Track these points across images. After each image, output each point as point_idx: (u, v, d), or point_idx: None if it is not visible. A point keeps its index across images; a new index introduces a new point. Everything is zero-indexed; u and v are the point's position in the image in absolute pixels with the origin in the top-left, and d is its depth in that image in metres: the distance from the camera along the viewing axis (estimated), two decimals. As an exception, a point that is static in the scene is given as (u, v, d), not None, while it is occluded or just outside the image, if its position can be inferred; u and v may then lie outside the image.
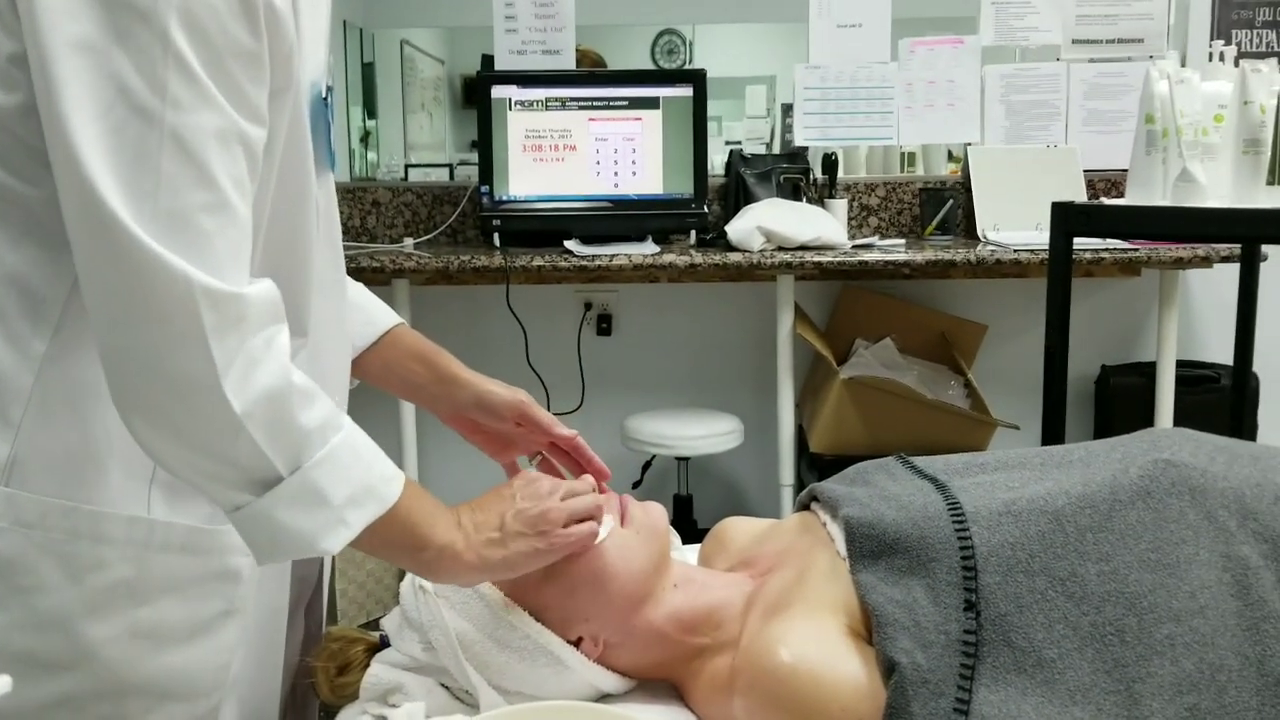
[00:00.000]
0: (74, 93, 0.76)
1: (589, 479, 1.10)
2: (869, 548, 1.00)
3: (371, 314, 1.19)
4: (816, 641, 0.95)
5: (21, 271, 0.84)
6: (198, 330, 0.77)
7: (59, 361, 0.86)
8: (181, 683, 0.95)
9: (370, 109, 4.86)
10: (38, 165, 0.81)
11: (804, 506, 1.19)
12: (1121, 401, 3.06)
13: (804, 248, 2.77)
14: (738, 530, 1.26)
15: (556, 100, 2.91)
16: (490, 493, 1.00)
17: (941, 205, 3.07)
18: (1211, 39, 3.03)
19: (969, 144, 3.13)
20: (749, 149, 3.57)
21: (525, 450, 1.23)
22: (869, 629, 0.96)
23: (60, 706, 0.90)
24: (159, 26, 0.76)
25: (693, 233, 2.98)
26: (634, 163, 2.94)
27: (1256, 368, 2.47)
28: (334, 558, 1.10)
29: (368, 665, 1.12)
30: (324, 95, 0.99)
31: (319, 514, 0.84)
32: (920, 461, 1.13)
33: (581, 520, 1.01)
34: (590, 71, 3.29)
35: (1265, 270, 2.37)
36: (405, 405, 2.84)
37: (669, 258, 2.73)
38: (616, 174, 2.94)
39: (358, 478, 0.86)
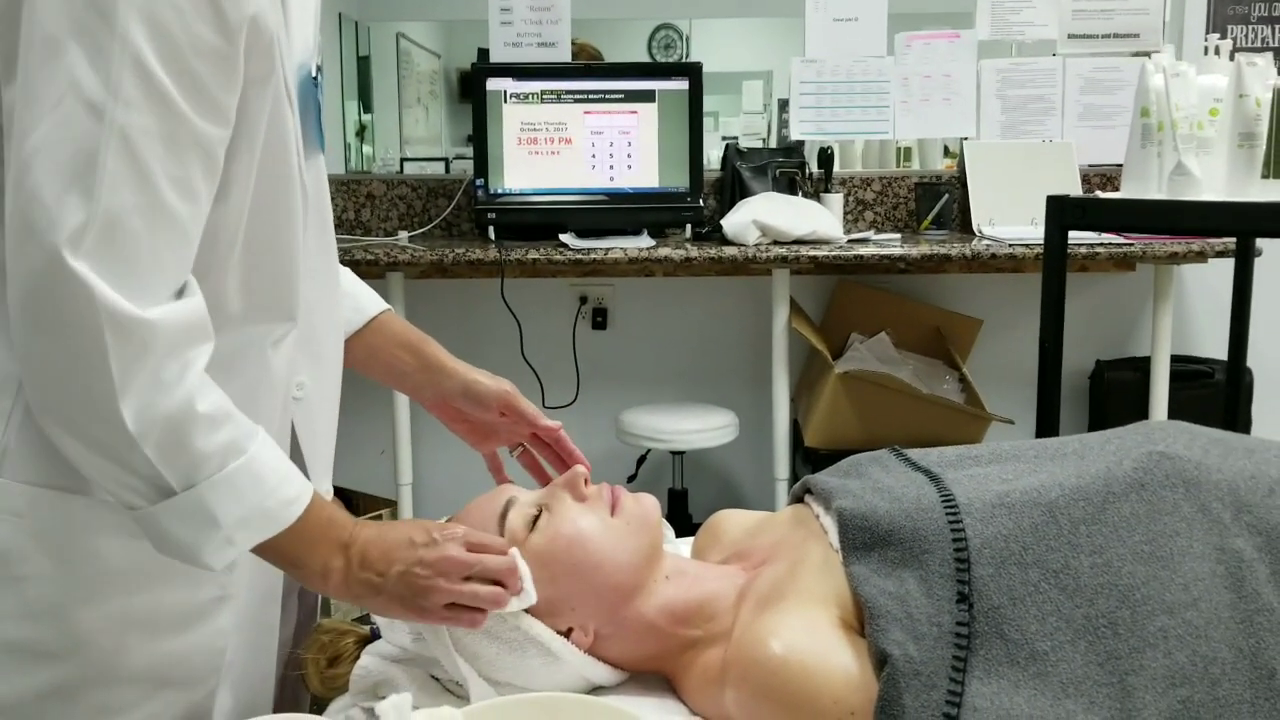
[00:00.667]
0: (32, 85, 0.77)
1: (509, 556, 1.03)
2: (862, 540, 1.00)
3: (359, 300, 1.19)
4: (808, 633, 0.95)
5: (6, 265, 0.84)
6: (100, 350, 0.78)
7: None
8: (177, 670, 0.96)
9: (366, 102, 4.85)
10: None
11: (798, 499, 1.19)
12: (1116, 396, 3.07)
13: (799, 242, 2.77)
14: (731, 523, 1.26)
15: (552, 93, 2.90)
16: (405, 530, 0.98)
17: (937, 200, 3.06)
18: (1207, 33, 3.03)
19: (965, 138, 3.13)
20: (745, 143, 3.58)
21: (507, 441, 1.23)
22: (861, 621, 0.96)
23: (53, 696, 0.90)
24: (120, 25, 0.76)
25: (688, 227, 2.98)
26: (630, 156, 2.94)
27: (1250, 362, 2.47)
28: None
29: (358, 657, 1.12)
30: (314, 75, 0.99)
31: (205, 532, 0.85)
32: (914, 454, 1.13)
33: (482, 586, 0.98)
34: (586, 65, 3.28)
35: (1259, 265, 2.37)
36: (400, 395, 2.83)
37: (664, 251, 2.73)
38: (612, 167, 2.94)
39: (252, 502, 0.86)
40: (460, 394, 1.19)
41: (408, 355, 1.18)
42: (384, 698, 1.04)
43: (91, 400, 0.79)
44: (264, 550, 0.90)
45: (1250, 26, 3.13)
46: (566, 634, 1.05)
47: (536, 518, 1.07)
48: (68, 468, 0.86)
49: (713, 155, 3.50)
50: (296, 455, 1.03)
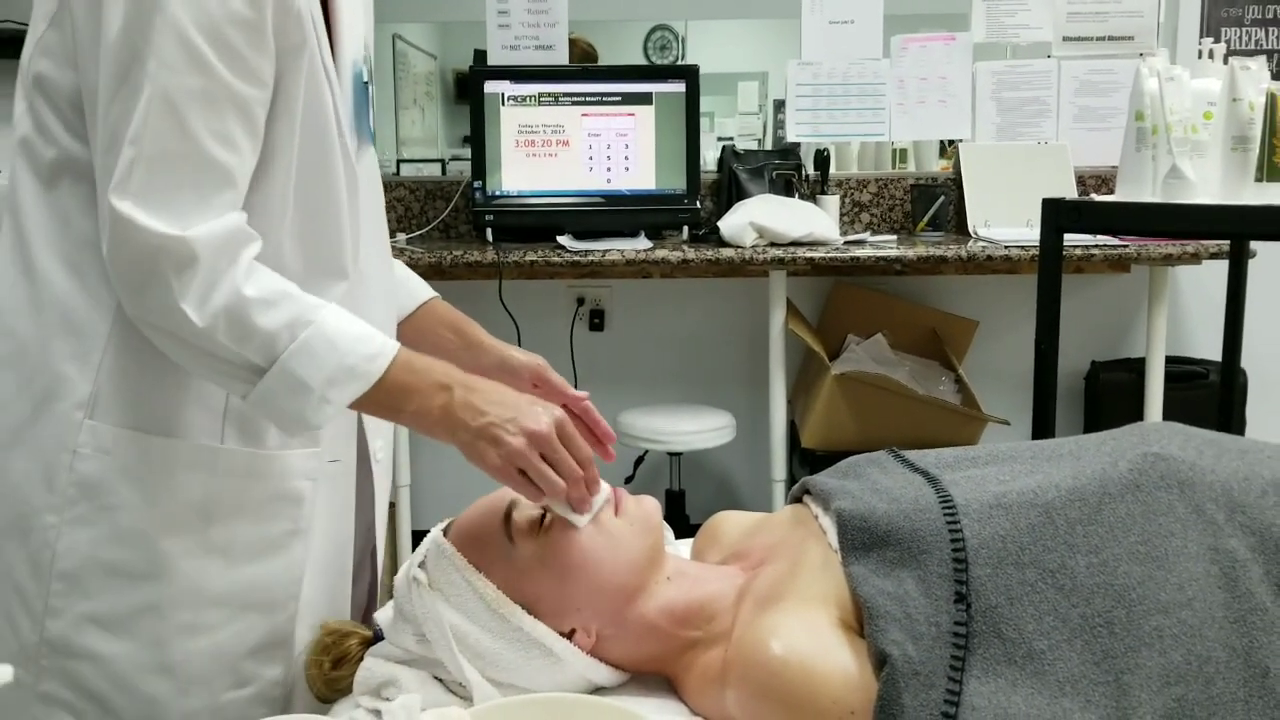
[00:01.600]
0: (102, 61, 0.93)
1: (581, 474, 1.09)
2: (861, 540, 1.01)
3: (410, 286, 1.34)
4: (808, 634, 0.95)
5: (93, 229, 0.97)
6: (156, 268, 0.93)
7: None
8: (257, 595, 1.08)
9: (363, 104, 4.84)
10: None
11: (796, 500, 1.20)
12: (1111, 397, 3.08)
13: (796, 243, 2.78)
14: (730, 524, 1.26)
15: (549, 95, 2.91)
16: (516, 392, 1.06)
17: (933, 202, 3.08)
18: (1201, 37, 3.05)
19: (960, 140, 3.14)
20: (741, 145, 3.58)
21: None
22: (860, 621, 0.97)
23: (147, 612, 1.02)
24: (161, 1, 0.91)
25: (685, 228, 2.99)
26: (627, 158, 2.95)
27: (1245, 364, 2.48)
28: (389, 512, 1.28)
29: (361, 659, 1.12)
30: (365, 80, 1.14)
31: (301, 397, 0.98)
32: (912, 455, 1.14)
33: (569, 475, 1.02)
34: (583, 67, 3.29)
35: (1253, 267, 2.38)
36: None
37: (661, 253, 2.74)
38: (609, 169, 2.94)
39: (333, 362, 0.98)
40: (497, 366, 1.26)
41: (452, 335, 1.29)
42: (388, 699, 1.05)
43: (164, 308, 0.94)
44: (363, 404, 1.01)
45: (1244, 30, 3.14)
46: (569, 635, 1.06)
47: (541, 519, 1.08)
48: (152, 412, 1.01)
49: (709, 157, 3.50)
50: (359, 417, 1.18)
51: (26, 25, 1.02)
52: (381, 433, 1.23)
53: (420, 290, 1.34)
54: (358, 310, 1.06)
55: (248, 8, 0.94)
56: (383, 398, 1.00)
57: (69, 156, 0.99)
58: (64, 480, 1.00)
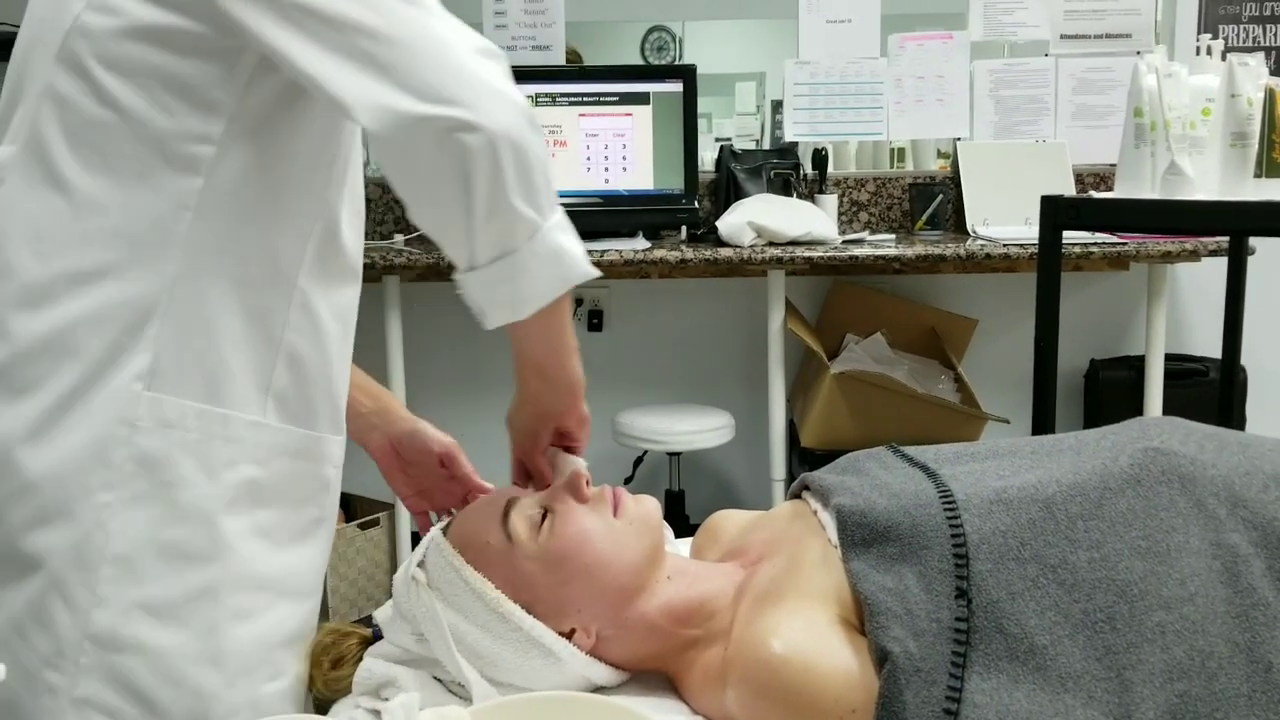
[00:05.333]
0: None
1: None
2: (860, 535, 1.01)
3: None
4: (809, 632, 0.95)
5: (148, 201, 0.93)
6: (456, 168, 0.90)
7: (188, 281, 0.95)
8: (291, 581, 1.04)
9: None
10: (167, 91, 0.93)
11: (795, 496, 1.19)
12: (1110, 395, 3.08)
13: (794, 243, 2.78)
14: (729, 521, 1.26)
15: (547, 96, 2.91)
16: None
17: (931, 200, 3.08)
18: (1199, 33, 3.05)
19: (958, 139, 3.14)
20: (739, 145, 3.58)
21: (441, 505, 1.28)
22: (860, 617, 0.96)
23: (202, 596, 0.97)
24: None
25: (683, 228, 2.99)
26: (624, 158, 2.94)
27: (1244, 361, 2.48)
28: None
29: (360, 659, 1.12)
30: None
31: (577, 242, 0.97)
32: (912, 451, 1.13)
33: None
34: (580, 67, 3.29)
35: (1253, 264, 2.38)
36: (395, 389, 2.83)
37: (660, 253, 2.74)
38: (607, 169, 2.94)
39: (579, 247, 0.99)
40: (407, 436, 1.25)
41: (366, 399, 1.24)
42: (387, 699, 1.04)
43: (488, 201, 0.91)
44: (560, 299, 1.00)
45: (1241, 26, 3.14)
46: (569, 635, 1.05)
47: (541, 519, 1.07)
48: (209, 385, 0.97)
49: (707, 157, 3.50)
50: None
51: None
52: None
53: None
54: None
55: None
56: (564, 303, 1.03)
57: (159, 136, 0.93)
58: (121, 455, 0.94)
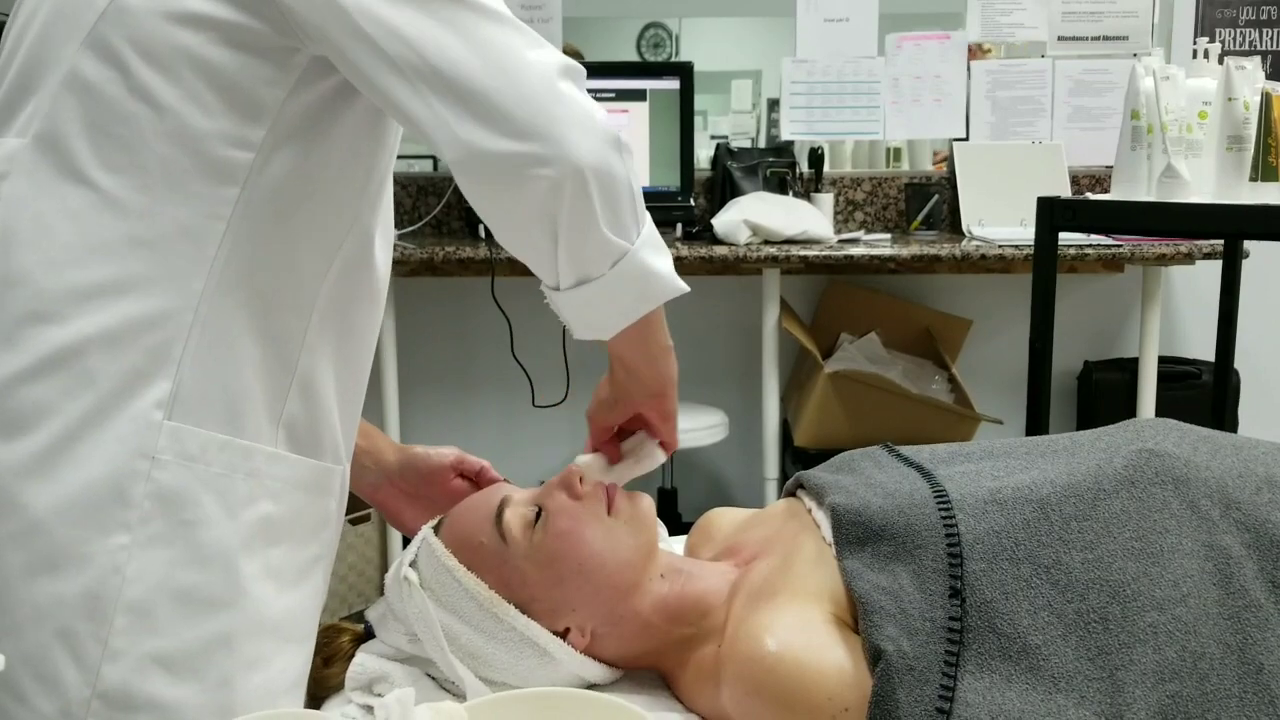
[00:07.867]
0: None
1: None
2: (855, 534, 1.01)
3: None
4: (802, 630, 0.95)
5: (177, 209, 0.85)
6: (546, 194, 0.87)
7: (215, 299, 0.87)
8: (295, 626, 0.95)
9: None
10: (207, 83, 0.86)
11: (789, 495, 1.19)
12: (1104, 397, 3.08)
13: (790, 242, 2.78)
14: (723, 520, 1.26)
15: (543, 92, 2.90)
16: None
17: (927, 200, 3.08)
18: (1196, 36, 3.05)
19: (955, 139, 3.14)
20: (735, 143, 3.58)
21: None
22: (854, 616, 0.96)
23: (218, 646, 0.88)
24: None
25: (679, 226, 2.98)
26: (620, 155, 2.94)
27: (1238, 364, 2.48)
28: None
29: (353, 655, 1.12)
30: None
31: (665, 258, 0.95)
32: (907, 450, 1.13)
33: None
34: (577, 64, 3.28)
35: (1247, 267, 2.39)
36: (392, 398, 2.83)
37: (655, 251, 2.73)
38: (603, 167, 2.93)
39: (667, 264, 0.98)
40: (407, 465, 1.19)
41: (360, 438, 1.15)
42: (380, 695, 1.04)
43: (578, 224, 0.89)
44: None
45: (1238, 30, 3.15)
46: (563, 634, 1.05)
47: (535, 518, 1.07)
48: (228, 414, 0.88)
49: (702, 155, 3.50)
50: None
51: None
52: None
53: None
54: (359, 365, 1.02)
55: None
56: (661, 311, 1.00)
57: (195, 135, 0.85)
58: (140, 492, 0.84)
